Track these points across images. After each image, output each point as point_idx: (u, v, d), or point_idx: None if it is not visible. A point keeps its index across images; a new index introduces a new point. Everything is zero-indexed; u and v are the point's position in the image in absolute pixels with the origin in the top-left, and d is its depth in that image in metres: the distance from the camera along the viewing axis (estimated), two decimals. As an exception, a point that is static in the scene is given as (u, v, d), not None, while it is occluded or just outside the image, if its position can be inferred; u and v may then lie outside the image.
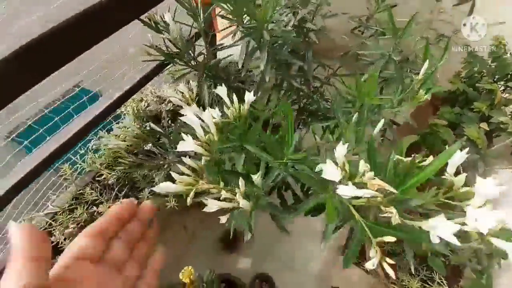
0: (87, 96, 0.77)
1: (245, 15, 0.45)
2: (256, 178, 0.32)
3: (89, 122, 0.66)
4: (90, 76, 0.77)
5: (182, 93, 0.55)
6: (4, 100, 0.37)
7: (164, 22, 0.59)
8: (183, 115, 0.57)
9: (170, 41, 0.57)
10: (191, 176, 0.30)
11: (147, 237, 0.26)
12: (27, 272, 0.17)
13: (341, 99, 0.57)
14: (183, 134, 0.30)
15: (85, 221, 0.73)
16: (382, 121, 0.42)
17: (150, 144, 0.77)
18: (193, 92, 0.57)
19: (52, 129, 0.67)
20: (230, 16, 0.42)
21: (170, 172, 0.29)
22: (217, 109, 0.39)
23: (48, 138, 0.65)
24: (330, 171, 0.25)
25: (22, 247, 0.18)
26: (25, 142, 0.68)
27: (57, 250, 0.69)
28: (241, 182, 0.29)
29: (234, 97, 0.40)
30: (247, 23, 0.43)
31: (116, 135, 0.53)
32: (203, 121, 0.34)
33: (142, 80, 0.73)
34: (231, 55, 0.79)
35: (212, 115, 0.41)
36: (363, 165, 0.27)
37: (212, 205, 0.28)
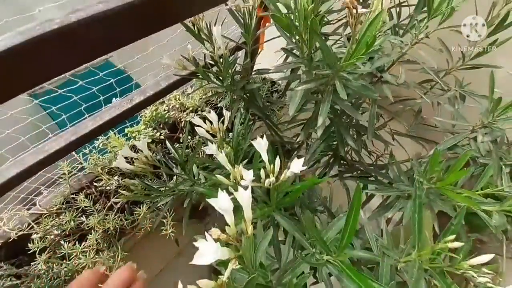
0: (109, 71, 0.69)
1: (313, 54, 0.35)
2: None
3: (102, 124, 0.58)
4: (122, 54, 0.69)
5: (211, 122, 0.46)
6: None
7: (209, 31, 0.51)
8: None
9: (211, 57, 0.49)
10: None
11: None
12: None
13: (400, 170, 0.46)
14: (210, 232, 0.20)
15: (71, 230, 0.65)
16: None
17: (159, 156, 0.68)
18: (223, 124, 0.47)
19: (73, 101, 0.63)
20: (297, 53, 0.32)
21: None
22: (251, 172, 0.29)
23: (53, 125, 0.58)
24: None
25: None
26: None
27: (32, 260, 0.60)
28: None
29: (277, 160, 0.30)
30: (315, 65, 0.33)
31: (126, 158, 0.44)
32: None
33: (168, 88, 0.64)
34: (273, 80, 0.69)
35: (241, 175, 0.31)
36: None
37: None
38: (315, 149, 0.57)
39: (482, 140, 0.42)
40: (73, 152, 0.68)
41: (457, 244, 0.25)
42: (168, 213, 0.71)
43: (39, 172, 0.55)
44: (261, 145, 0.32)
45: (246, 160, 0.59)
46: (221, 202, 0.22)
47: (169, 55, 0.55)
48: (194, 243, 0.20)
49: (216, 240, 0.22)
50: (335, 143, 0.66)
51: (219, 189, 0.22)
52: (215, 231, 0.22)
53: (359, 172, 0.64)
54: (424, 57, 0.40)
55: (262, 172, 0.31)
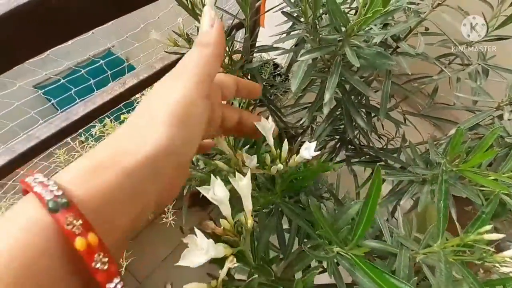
0: (104, 60, 0.69)
1: (319, 18, 0.30)
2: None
3: (94, 109, 0.55)
4: (123, 42, 0.69)
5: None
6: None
7: (203, 5, 0.46)
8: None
9: (205, 32, 0.44)
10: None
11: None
12: (215, 64, 0.19)
13: (416, 153, 0.42)
14: (204, 224, 0.17)
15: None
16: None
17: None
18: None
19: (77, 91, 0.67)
20: (301, 19, 0.28)
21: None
22: (255, 158, 0.26)
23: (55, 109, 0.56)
24: None
25: (216, 43, 0.19)
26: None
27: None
28: None
29: (285, 144, 0.26)
30: (322, 31, 0.29)
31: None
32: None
33: (163, 70, 0.61)
34: (275, 58, 0.65)
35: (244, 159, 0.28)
36: None
37: None
38: (321, 132, 0.53)
39: (509, 118, 0.37)
40: (69, 140, 0.66)
41: (495, 236, 0.21)
42: (168, 202, 0.69)
43: (33, 159, 0.53)
44: (266, 127, 0.27)
45: (248, 146, 0.56)
46: (215, 192, 0.19)
47: (161, 33, 0.51)
48: (182, 239, 0.17)
49: (210, 235, 0.19)
50: (341, 126, 0.62)
51: (211, 176, 0.19)
52: (209, 224, 0.19)
53: (367, 156, 0.60)
54: (449, 21, 0.35)
55: (267, 158, 0.28)
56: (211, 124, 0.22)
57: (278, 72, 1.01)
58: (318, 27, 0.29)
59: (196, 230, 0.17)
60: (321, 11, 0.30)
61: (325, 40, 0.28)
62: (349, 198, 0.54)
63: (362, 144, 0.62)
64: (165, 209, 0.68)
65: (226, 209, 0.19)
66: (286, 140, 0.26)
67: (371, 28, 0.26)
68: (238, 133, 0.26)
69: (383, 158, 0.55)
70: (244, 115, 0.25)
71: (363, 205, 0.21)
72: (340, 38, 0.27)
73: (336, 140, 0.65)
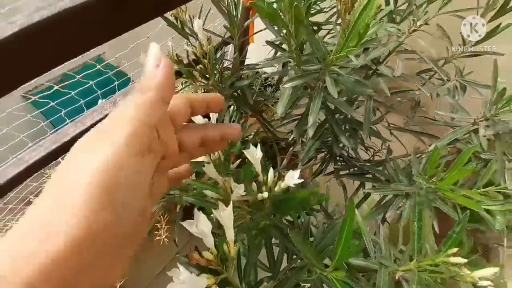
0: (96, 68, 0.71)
1: (302, 47, 0.32)
2: None
3: (85, 130, 0.56)
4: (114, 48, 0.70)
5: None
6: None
7: (192, 24, 0.47)
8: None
9: (194, 54, 0.45)
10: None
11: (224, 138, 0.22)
12: (155, 112, 0.16)
13: (398, 168, 0.44)
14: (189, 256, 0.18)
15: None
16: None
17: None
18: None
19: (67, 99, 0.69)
20: (284, 46, 0.29)
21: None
22: (242, 186, 0.27)
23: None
24: None
25: (160, 86, 0.16)
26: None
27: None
28: None
29: (271, 172, 0.27)
30: (305, 59, 0.30)
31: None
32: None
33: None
34: (264, 73, 0.66)
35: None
36: None
37: None
38: (310, 147, 0.55)
39: (484, 134, 0.39)
40: (60, 159, 0.65)
41: (460, 260, 0.23)
42: (162, 217, 0.69)
43: (23, 183, 0.53)
44: (254, 157, 0.28)
45: (240, 159, 0.57)
46: (198, 226, 0.19)
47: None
48: (168, 272, 0.18)
49: (196, 266, 0.20)
50: (330, 139, 0.64)
51: (195, 209, 0.20)
52: (194, 256, 0.20)
53: (355, 169, 0.61)
54: (423, 46, 0.37)
55: (254, 185, 0.29)
56: (166, 162, 0.18)
57: (270, 83, 1.03)
58: (301, 54, 0.31)
59: (178, 264, 0.17)
60: (304, 40, 0.32)
61: (307, 69, 0.29)
62: (338, 211, 0.55)
63: (350, 156, 0.63)
64: (158, 225, 0.68)
65: (209, 241, 0.20)
66: (272, 169, 0.27)
67: (348, 58, 0.27)
68: (209, 150, 0.23)
69: (370, 171, 0.57)
70: (210, 131, 0.21)
71: (340, 229, 0.22)
72: (321, 69, 0.28)
73: (325, 152, 0.67)
